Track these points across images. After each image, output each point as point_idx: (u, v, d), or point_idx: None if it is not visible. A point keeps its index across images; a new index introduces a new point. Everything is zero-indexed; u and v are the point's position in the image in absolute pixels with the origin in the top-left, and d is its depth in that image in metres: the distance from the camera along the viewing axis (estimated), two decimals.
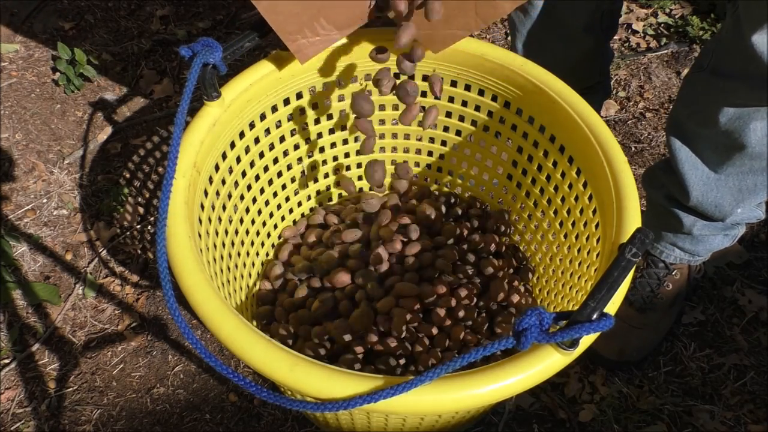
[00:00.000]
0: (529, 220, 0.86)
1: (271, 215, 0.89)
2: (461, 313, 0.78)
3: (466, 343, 0.78)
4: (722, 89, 0.73)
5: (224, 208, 0.74)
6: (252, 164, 0.80)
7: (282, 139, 0.83)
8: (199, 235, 0.62)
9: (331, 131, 0.88)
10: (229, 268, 0.75)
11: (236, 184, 0.77)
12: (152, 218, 1.17)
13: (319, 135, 0.87)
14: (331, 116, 0.85)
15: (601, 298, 0.45)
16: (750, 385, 0.94)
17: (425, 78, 0.80)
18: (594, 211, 0.67)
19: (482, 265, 0.84)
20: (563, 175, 0.74)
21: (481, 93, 0.78)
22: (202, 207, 0.66)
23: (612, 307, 0.51)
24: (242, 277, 0.81)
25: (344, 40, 0.72)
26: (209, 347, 1.00)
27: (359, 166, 0.94)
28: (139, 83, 1.39)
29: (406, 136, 0.90)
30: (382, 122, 0.88)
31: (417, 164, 0.95)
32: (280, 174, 0.86)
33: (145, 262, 1.11)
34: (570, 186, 0.73)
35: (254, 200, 0.83)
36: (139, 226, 1.15)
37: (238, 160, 0.76)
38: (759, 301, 1.02)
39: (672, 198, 0.89)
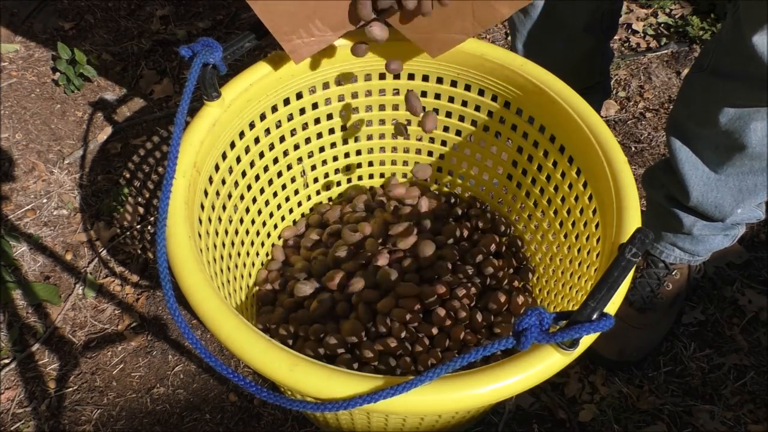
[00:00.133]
0: (529, 220, 0.86)
1: (271, 215, 0.89)
2: (461, 313, 0.78)
3: (466, 343, 0.78)
4: (722, 89, 0.73)
5: (224, 208, 0.74)
6: (252, 164, 0.80)
7: (282, 139, 0.83)
8: (199, 235, 0.62)
9: (331, 131, 0.88)
10: (229, 268, 0.75)
11: (236, 184, 0.77)
12: (152, 218, 1.17)
13: (319, 135, 0.87)
14: (331, 116, 0.85)
15: (601, 298, 0.45)
16: (750, 385, 0.94)
17: (425, 78, 0.80)
18: (594, 211, 0.67)
19: (482, 265, 0.84)
20: (563, 175, 0.74)
21: (481, 93, 0.78)
22: (202, 207, 0.66)
23: (612, 307, 0.51)
24: (242, 277, 0.81)
25: (341, 40, 0.72)
26: (209, 347, 1.00)
27: (359, 166, 0.94)
28: (139, 83, 1.39)
29: (406, 137, 0.90)
30: (382, 122, 0.88)
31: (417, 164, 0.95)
32: (280, 174, 0.86)
33: (145, 262, 1.11)
34: (570, 186, 0.73)
35: (254, 200, 0.83)
36: (139, 226, 1.15)
37: (238, 160, 0.76)
38: (759, 301, 1.02)
39: (672, 198, 0.89)
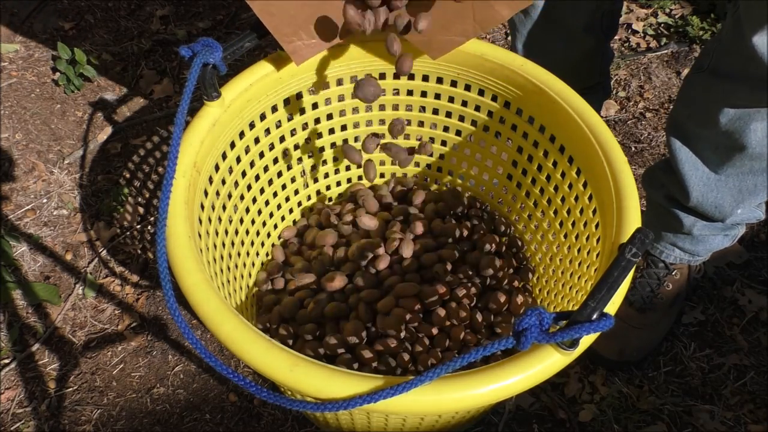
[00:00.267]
0: (529, 220, 0.86)
1: (271, 215, 0.89)
2: (461, 313, 0.78)
3: (466, 343, 0.78)
4: (722, 90, 0.73)
5: (224, 208, 0.74)
6: (252, 164, 0.80)
7: (282, 139, 0.83)
8: (199, 235, 0.62)
9: (331, 131, 0.88)
10: (229, 268, 0.75)
11: (236, 184, 0.77)
12: (152, 218, 1.17)
13: (319, 135, 0.87)
14: (331, 116, 0.85)
15: (601, 298, 0.45)
16: (750, 385, 0.94)
17: (425, 78, 0.80)
18: (594, 211, 0.67)
19: (482, 265, 0.84)
20: (563, 175, 0.74)
21: (481, 93, 0.78)
22: (202, 207, 0.66)
23: (612, 307, 0.51)
24: (242, 277, 0.81)
25: (343, 41, 0.72)
26: (209, 347, 1.00)
27: (359, 166, 0.94)
28: (139, 83, 1.39)
29: (406, 137, 0.90)
30: (382, 122, 0.88)
31: (417, 164, 0.95)
32: (280, 174, 0.86)
33: (145, 262, 1.11)
34: (570, 186, 0.73)
35: (254, 200, 0.83)
36: (139, 226, 1.15)
37: (238, 160, 0.76)
38: (759, 301, 1.02)
39: (672, 198, 0.89)
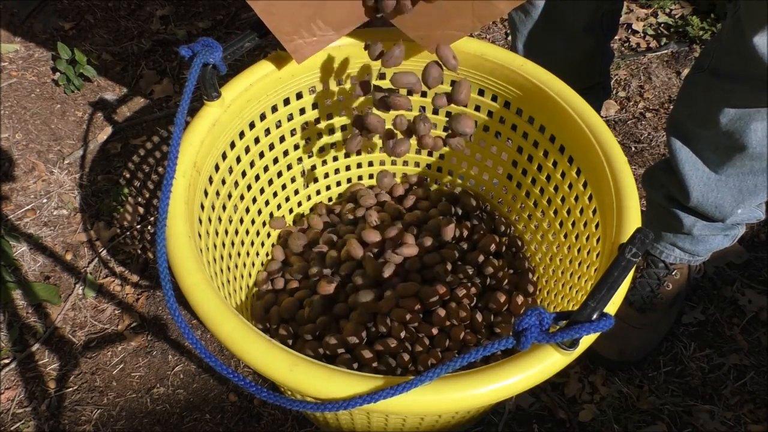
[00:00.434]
0: (529, 220, 0.86)
1: (272, 215, 0.89)
2: (461, 313, 0.78)
3: (466, 343, 0.78)
4: (722, 90, 0.73)
5: (224, 208, 0.74)
6: (252, 164, 0.80)
7: (282, 139, 0.83)
8: (199, 235, 0.62)
9: (331, 131, 0.88)
10: (229, 269, 0.75)
11: (236, 184, 0.77)
12: (152, 218, 1.17)
13: (319, 135, 0.87)
14: (331, 116, 0.85)
15: (601, 298, 0.45)
16: (750, 385, 0.94)
17: None
18: (594, 211, 0.67)
19: (482, 265, 0.84)
20: (563, 175, 0.74)
21: (481, 93, 0.78)
22: (202, 207, 0.66)
23: (612, 307, 0.51)
24: (242, 277, 0.81)
25: (343, 40, 0.72)
26: (209, 347, 1.00)
27: (359, 166, 0.94)
28: (139, 83, 1.39)
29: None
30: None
31: (417, 164, 0.95)
32: (280, 174, 0.86)
33: (145, 262, 1.11)
34: (570, 186, 0.73)
35: (254, 201, 0.83)
36: (139, 226, 1.15)
37: (238, 160, 0.76)
38: (759, 301, 1.02)
39: (672, 198, 0.89)
